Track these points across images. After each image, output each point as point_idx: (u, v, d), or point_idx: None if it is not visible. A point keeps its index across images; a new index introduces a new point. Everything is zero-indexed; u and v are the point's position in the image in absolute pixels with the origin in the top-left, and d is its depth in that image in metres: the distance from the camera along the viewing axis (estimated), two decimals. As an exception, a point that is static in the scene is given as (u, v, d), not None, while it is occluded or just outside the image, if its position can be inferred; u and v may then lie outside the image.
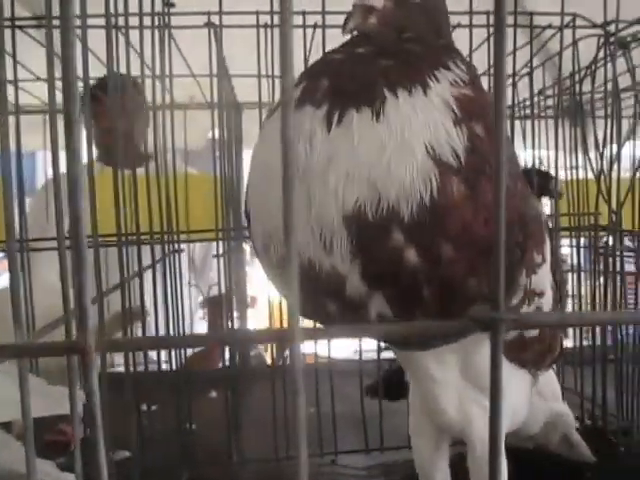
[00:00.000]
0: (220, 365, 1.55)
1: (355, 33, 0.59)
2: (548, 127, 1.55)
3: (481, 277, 0.55)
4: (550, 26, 1.20)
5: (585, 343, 1.35)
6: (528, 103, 1.46)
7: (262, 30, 1.07)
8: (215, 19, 1.03)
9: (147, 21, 0.98)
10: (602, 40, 1.15)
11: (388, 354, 1.08)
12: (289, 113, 0.22)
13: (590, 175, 1.22)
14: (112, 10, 0.88)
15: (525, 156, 1.84)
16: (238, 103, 1.54)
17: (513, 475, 0.69)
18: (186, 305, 1.19)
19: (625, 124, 1.18)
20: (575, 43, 1.18)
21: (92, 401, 0.21)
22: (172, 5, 1.00)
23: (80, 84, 0.83)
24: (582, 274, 1.34)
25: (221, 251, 1.18)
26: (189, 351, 1.46)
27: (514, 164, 0.63)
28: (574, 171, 1.36)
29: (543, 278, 0.70)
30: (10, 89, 1.06)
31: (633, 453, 1.11)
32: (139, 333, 1.16)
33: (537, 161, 1.58)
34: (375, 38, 0.58)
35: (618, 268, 1.13)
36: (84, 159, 0.88)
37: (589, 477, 0.99)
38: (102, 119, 1.09)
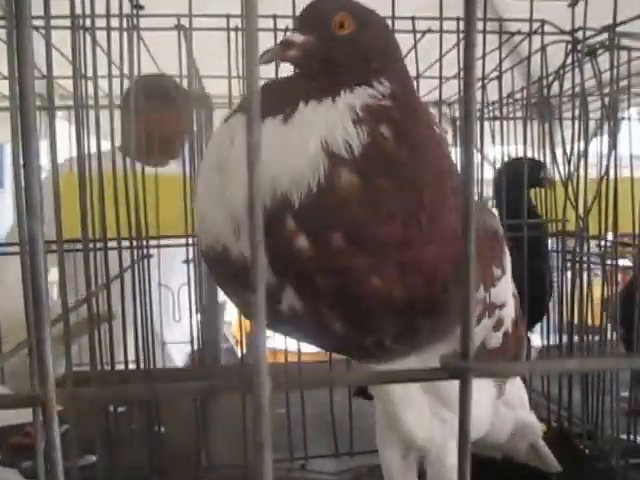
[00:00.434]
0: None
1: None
2: (517, 129, 1.58)
3: (388, 279, 0.55)
4: (519, 32, 1.21)
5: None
6: (497, 105, 1.48)
7: (232, 33, 1.06)
8: (185, 21, 1.02)
9: (115, 22, 0.96)
10: (570, 47, 1.17)
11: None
12: (256, 117, 0.22)
13: (557, 178, 1.25)
14: (79, 11, 0.86)
15: (494, 153, 1.87)
16: (209, 103, 1.53)
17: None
18: (155, 308, 1.18)
19: (591, 125, 1.20)
20: (543, 49, 1.20)
21: (53, 457, 0.20)
22: (141, 7, 0.99)
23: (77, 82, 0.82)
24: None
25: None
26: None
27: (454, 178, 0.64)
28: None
29: (504, 290, 0.71)
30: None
31: (597, 457, 1.13)
32: (106, 337, 1.14)
33: (506, 158, 1.61)
34: (301, 67, 0.61)
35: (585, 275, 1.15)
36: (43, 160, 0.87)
37: (554, 482, 1.01)
38: (147, 115, 1.11)
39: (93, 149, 0.94)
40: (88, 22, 0.91)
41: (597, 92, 1.20)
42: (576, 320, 1.20)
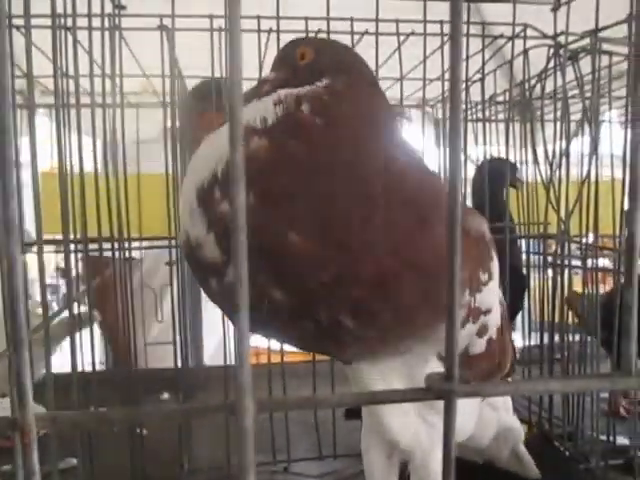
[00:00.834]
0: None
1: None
2: (499, 130, 1.59)
3: (307, 235, 0.56)
4: (502, 35, 1.22)
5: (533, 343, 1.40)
6: (480, 107, 1.49)
7: (215, 33, 1.05)
8: (167, 21, 1.01)
9: (97, 22, 0.95)
10: (552, 50, 1.18)
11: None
12: (238, 117, 0.22)
13: (539, 179, 1.26)
14: (61, 10, 0.85)
15: (477, 152, 1.88)
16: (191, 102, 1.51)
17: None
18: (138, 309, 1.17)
19: (572, 127, 1.22)
20: (526, 52, 1.21)
21: (32, 483, 0.20)
22: (122, 7, 0.98)
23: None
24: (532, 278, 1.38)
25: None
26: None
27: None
28: (524, 176, 1.39)
29: (490, 296, 0.71)
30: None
31: (578, 458, 1.14)
32: (87, 339, 1.13)
33: (489, 157, 1.62)
34: None
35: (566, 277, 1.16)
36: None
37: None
38: (205, 117, 1.14)
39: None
40: (69, 22, 0.90)
41: (579, 95, 1.21)
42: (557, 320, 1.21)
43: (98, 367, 1.08)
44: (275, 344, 1.14)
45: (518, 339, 1.62)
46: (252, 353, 1.71)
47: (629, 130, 1.05)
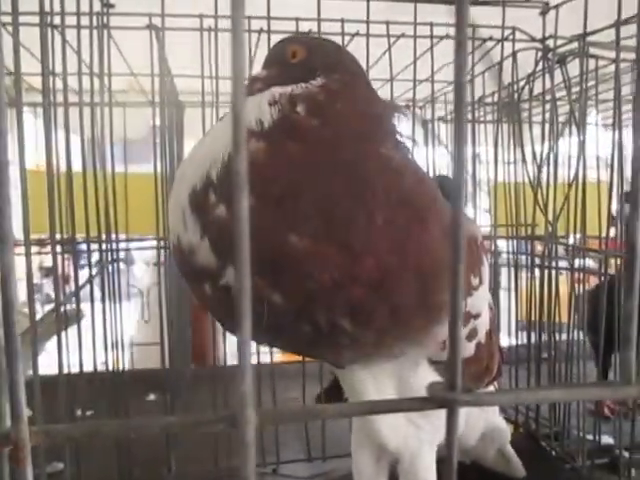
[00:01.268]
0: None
1: None
2: (487, 131, 1.60)
3: (307, 236, 0.56)
4: (491, 38, 1.23)
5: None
6: (469, 108, 1.50)
7: (205, 33, 1.05)
8: (156, 20, 1.00)
9: (85, 21, 0.94)
10: (540, 54, 1.19)
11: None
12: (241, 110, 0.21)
13: (527, 180, 1.26)
14: (48, 8, 0.84)
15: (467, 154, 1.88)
16: (180, 102, 1.51)
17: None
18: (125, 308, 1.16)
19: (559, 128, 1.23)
20: (514, 55, 1.21)
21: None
22: (111, 6, 0.97)
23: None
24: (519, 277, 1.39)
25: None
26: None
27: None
28: (512, 178, 1.39)
29: (480, 300, 0.71)
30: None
31: (564, 457, 1.15)
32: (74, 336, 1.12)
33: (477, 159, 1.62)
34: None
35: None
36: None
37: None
38: None
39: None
40: (57, 20, 0.89)
41: (565, 97, 1.22)
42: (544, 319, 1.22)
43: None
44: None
45: (504, 339, 1.63)
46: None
47: (616, 133, 1.06)
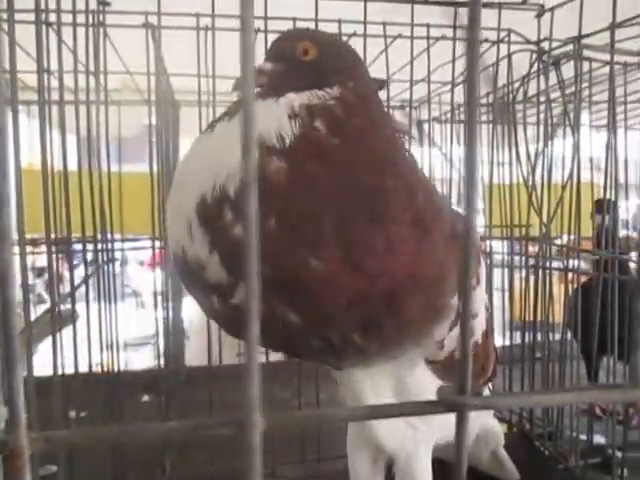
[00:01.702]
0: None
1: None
2: (481, 132, 1.60)
3: (328, 260, 0.56)
4: (486, 40, 1.23)
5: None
6: (463, 109, 1.50)
7: (202, 32, 1.04)
8: (153, 19, 1.00)
9: (81, 19, 0.93)
10: (535, 56, 1.19)
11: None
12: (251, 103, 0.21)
13: (521, 180, 1.27)
14: (43, 6, 0.83)
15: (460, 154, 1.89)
16: (175, 101, 1.50)
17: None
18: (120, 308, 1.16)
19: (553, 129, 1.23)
20: (509, 57, 1.22)
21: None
22: (107, 4, 0.96)
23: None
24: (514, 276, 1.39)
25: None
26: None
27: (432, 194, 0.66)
28: (506, 179, 1.40)
29: (477, 300, 0.72)
30: None
31: (557, 457, 1.16)
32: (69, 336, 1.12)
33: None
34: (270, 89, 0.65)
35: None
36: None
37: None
38: None
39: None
40: (52, 18, 0.88)
41: (558, 99, 1.23)
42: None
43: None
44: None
45: (498, 339, 1.63)
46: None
47: (606, 134, 1.07)
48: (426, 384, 0.74)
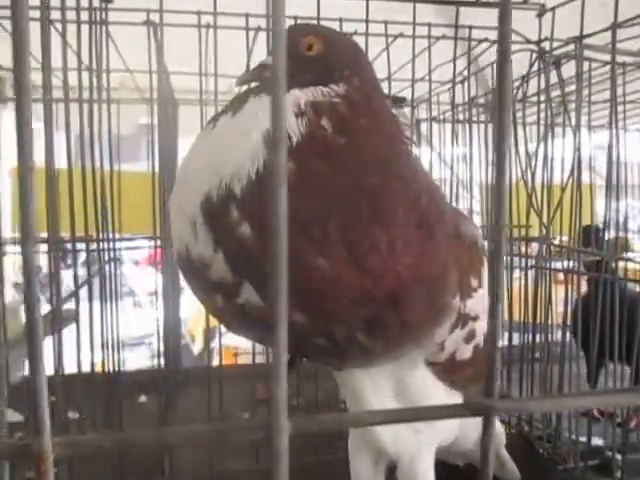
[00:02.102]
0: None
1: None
2: (480, 132, 1.60)
3: (334, 260, 0.55)
4: (486, 39, 1.23)
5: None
6: (461, 109, 1.50)
7: (203, 30, 1.04)
8: (154, 17, 0.99)
9: (84, 17, 0.93)
10: (534, 55, 1.19)
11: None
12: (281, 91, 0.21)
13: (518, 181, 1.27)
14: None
15: (457, 153, 1.89)
16: (174, 99, 1.50)
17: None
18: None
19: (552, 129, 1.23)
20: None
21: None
22: (109, 1, 0.96)
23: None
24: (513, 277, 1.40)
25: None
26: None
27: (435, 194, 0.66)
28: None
29: (479, 302, 0.71)
30: None
31: (556, 459, 1.16)
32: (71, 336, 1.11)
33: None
34: None
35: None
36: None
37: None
38: None
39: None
40: (54, 15, 0.87)
41: (556, 98, 1.23)
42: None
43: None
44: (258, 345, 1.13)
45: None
46: (232, 353, 1.70)
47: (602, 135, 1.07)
48: (426, 385, 0.74)
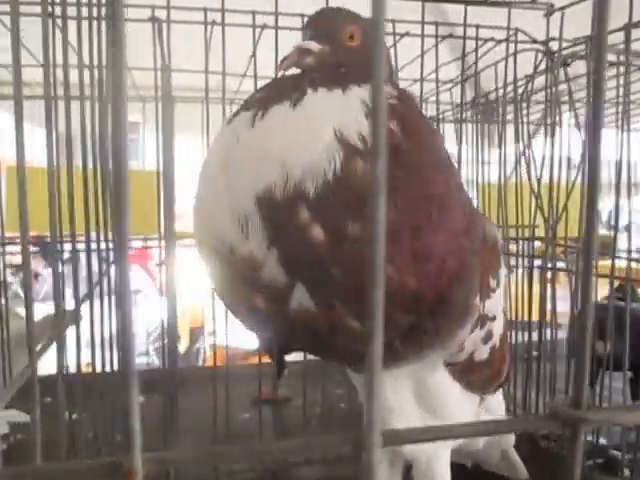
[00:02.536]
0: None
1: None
2: (481, 132, 1.60)
3: (401, 268, 0.55)
4: (492, 39, 1.23)
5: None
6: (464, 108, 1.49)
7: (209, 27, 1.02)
8: (159, 13, 0.98)
9: (86, 12, 0.91)
10: (540, 55, 1.19)
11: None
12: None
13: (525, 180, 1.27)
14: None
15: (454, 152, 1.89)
16: (171, 97, 1.48)
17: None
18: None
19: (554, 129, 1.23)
20: (514, 56, 1.22)
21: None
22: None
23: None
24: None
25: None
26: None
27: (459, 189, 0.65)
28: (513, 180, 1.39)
29: (496, 303, 0.71)
30: None
31: (562, 458, 1.15)
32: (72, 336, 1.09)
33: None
34: (314, 72, 0.61)
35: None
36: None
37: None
38: None
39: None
40: (57, 11, 0.85)
41: (567, 98, 1.23)
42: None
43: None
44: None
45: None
46: (242, 355, 1.69)
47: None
48: (445, 386, 0.73)
